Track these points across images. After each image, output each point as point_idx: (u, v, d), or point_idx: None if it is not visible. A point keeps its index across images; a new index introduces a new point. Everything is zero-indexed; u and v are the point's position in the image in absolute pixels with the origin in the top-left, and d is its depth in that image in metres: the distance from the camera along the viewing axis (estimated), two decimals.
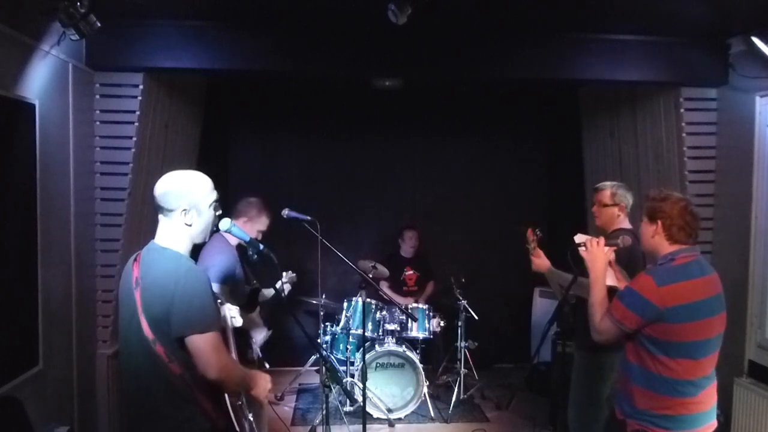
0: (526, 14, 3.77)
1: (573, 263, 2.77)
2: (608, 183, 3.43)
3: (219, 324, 2.09)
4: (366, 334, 4.62)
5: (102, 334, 4.06)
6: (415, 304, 5.23)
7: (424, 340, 5.21)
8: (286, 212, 3.55)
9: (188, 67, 3.95)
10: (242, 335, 2.99)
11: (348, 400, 4.82)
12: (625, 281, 2.78)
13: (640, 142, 4.70)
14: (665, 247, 2.41)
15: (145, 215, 4.17)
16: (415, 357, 4.92)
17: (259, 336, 3.67)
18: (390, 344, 4.90)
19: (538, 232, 3.45)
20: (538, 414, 4.86)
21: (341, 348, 5.09)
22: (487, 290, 5.80)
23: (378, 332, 5.00)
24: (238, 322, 2.50)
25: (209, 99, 5.37)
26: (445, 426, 4.88)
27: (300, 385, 5.61)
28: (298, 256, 4.56)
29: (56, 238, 3.45)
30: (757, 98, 3.89)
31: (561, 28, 4.02)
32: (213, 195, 2.19)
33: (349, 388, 4.77)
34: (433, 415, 4.97)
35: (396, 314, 5.03)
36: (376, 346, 4.89)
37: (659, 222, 2.40)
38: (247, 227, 3.35)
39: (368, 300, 4.78)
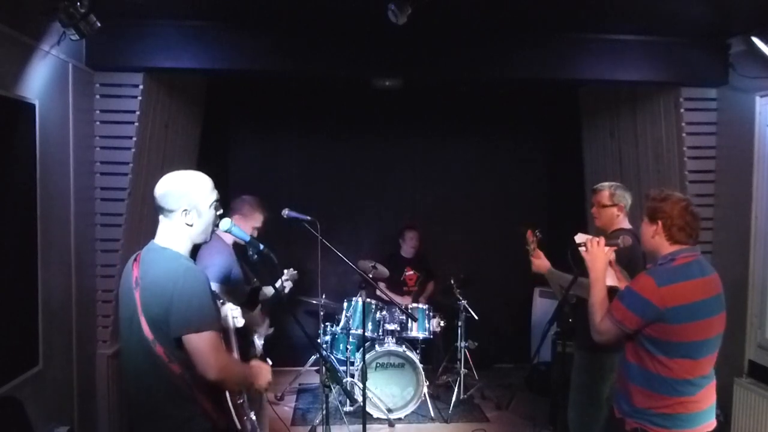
0: (526, 14, 3.77)
1: (573, 263, 2.77)
2: (606, 183, 3.43)
3: (218, 324, 2.08)
4: (366, 334, 4.62)
5: (102, 334, 4.06)
6: (414, 304, 5.23)
7: (424, 340, 5.21)
8: (286, 212, 3.55)
9: (188, 67, 3.95)
10: (244, 334, 2.99)
11: (348, 400, 4.82)
12: (625, 281, 2.78)
13: (640, 142, 4.70)
14: (665, 247, 2.41)
15: (145, 215, 4.17)
16: (415, 357, 4.92)
17: (261, 334, 3.67)
18: (390, 344, 4.90)
19: (537, 233, 3.45)
20: (538, 414, 4.86)
21: (341, 348, 5.09)
22: (487, 290, 5.80)
23: (378, 332, 5.00)
24: (240, 322, 2.50)
25: (209, 99, 5.37)
26: (445, 426, 4.88)
27: (300, 385, 5.61)
28: (298, 256, 4.56)
29: (56, 238, 3.45)
30: (757, 98, 3.89)
31: (561, 28, 4.02)
32: (213, 195, 2.19)
33: (349, 388, 4.77)
34: (433, 415, 4.97)
35: (396, 314, 5.03)
36: (376, 346, 4.89)
37: (659, 222, 2.40)
38: (241, 224, 3.34)
39: (368, 300, 4.78)
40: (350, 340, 5.00)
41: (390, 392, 4.91)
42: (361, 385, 4.06)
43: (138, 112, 3.91)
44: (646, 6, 3.53)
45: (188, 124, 5.00)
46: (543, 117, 6.39)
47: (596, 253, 2.62)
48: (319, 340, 4.90)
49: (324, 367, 3.67)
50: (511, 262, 4.10)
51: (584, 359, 3.35)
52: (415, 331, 5.09)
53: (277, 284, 3.84)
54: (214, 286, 2.92)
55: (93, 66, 3.83)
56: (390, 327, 5.00)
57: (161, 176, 2.17)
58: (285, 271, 3.93)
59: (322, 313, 4.72)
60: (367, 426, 3.93)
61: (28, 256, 3.18)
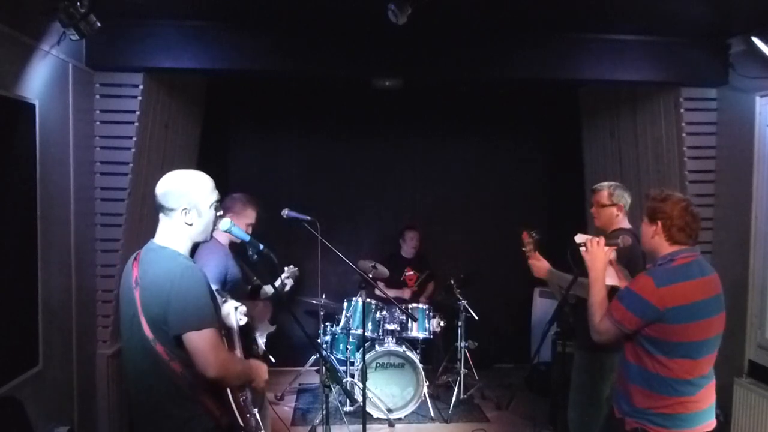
0: (526, 14, 3.77)
1: (573, 263, 2.77)
2: (605, 183, 3.44)
3: (217, 322, 2.08)
4: (366, 334, 4.62)
5: (102, 334, 4.06)
6: (414, 304, 5.23)
7: (424, 340, 5.21)
8: (286, 212, 3.55)
9: (188, 67, 3.95)
10: (246, 332, 2.99)
11: (348, 400, 4.82)
12: (626, 281, 2.78)
13: (640, 142, 4.70)
14: (665, 247, 2.41)
15: (145, 215, 4.17)
16: (415, 357, 4.92)
17: (263, 332, 3.68)
18: (390, 344, 4.90)
19: (533, 234, 3.43)
20: (538, 414, 4.86)
21: (341, 348, 5.09)
22: (487, 290, 5.80)
23: (378, 332, 5.00)
24: (243, 320, 2.50)
25: (209, 99, 5.37)
26: (445, 426, 4.88)
27: (300, 385, 5.61)
28: (298, 256, 4.55)
29: (56, 238, 3.45)
30: (757, 98, 3.89)
31: (561, 28, 4.02)
32: (214, 195, 2.19)
33: (349, 388, 4.77)
34: (433, 415, 4.97)
35: (396, 314, 5.03)
36: (376, 346, 4.89)
37: (659, 223, 2.40)
38: (234, 222, 3.35)
39: (368, 300, 4.77)
40: (350, 340, 5.00)
41: (390, 392, 4.91)
42: (361, 385, 4.06)
43: (138, 112, 3.91)
44: (646, 6, 3.53)
45: (188, 124, 5.01)
46: (543, 117, 6.39)
47: (596, 252, 2.62)
48: (319, 340, 4.90)
49: (324, 367, 3.68)
50: (511, 262, 4.09)
51: (584, 359, 3.36)
52: (415, 331, 5.09)
53: (278, 282, 3.84)
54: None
55: (93, 66, 3.83)
56: (390, 327, 5.00)
57: (161, 176, 2.17)
58: (285, 268, 3.93)
59: (322, 313, 4.72)
60: (367, 426, 3.93)
61: (28, 256, 3.18)
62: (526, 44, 4.11)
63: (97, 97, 3.91)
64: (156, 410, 2.09)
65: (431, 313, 5.17)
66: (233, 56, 3.95)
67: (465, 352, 5.24)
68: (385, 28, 3.28)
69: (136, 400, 2.17)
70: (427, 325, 5.11)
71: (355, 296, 5.01)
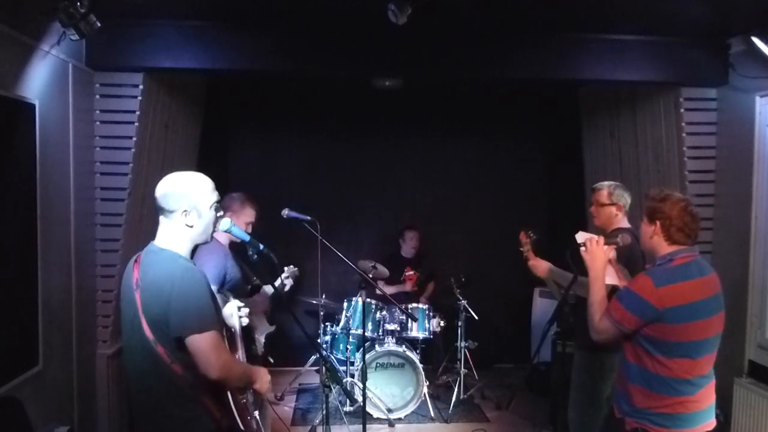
0: (526, 14, 3.77)
1: (573, 263, 2.78)
2: (605, 183, 3.44)
3: (217, 323, 2.08)
4: (366, 334, 4.62)
5: (102, 334, 4.06)
6: (414, 304, 5.23)
7: (424, 340, 5.21)
8: (286, 212, 3.55)
9: (188, 67, 3.95)
10: (246, 332, 3.00)
11: (348, 400, 4.82)
12: (625, 280, 2.78)
13: (640, 142, 4.70)
14: (664, 247, 2.41)
15: (145, 215, 4.17)
16: (415, 357, 4.92)
17: (263, 332, 3.68)
18: (390, 344, 4.90)
19: (531, 234, 3.44)
20: (538, 414, 4.86)
21: (341, 348, 5.09)
22: (487, 290, 5.81)
23: (378, 332, 5.00)
24: (245, 321, 2.50)
25: (209, 99, 5.37)
26: (445, 426, 4.88)
27: (300, 385, 5.61)
28: (298, 256, 4.55)
29: (56, 238, 3.45)
30: (757, 98, 3.89)
31: (561, 28, 4.02)
32: (214, 196, 2.19)
33: (349, 388, 4.77)
34: (433, 415, 4.97)
35: (396, 314, 5.03)
36: (376, 346, 4.89)
37: (658, 222, 2.40)
38: (233, 221, 3.35)
39: (368, 300, 4.78)
40: (350, 340, 5.00)
41: (390, 392, 4.91)
42: (361, 385, 4.06)
43: (138, 112, 3.91)
44: (646, 6, 3.53)
45: (188, 124, 5.00)
46: (543, 117, 6.39)
47: (595, 252, 2.62)
48: (319, 340, 4.90)
49: (324, 367, 3.68)
50: (511, 262, 4.09)
51: (584, 359, 3.36)
52: (415, 331, 5.09)
53: (278, 282, 3.84)
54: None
55: (93, 66, 3.83)
56: (390, 327, 5.00)
57: (161, 176, 2.18)
58: (285, 268, 3.93)
59: (322, 313, 4.72)
60: (367, 426, 3.93)
61: (28, 256, 3.18)
62: (526, 44, 4.11)
63: (97, 97, 3.91)
64: (156, 410, 2.09)
65: (431, 313, 5.17)
66: (233, 56, 3.95)
67: (465, 352, 5.24)
68: (385, 28, 3.28)
69: (137, 401, 2.18)
70: (427, 325, 5.11)
71: (355, 296, 5.01)
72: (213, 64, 3.94)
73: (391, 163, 6.33)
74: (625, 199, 3.36)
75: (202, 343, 1.98)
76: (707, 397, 2.40)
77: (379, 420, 4.85)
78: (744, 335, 3.98)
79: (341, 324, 5.06)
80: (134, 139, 3.91)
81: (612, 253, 2.72)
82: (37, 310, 3.24)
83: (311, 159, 6.23)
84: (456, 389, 5.17)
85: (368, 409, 4.24)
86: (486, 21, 3.94)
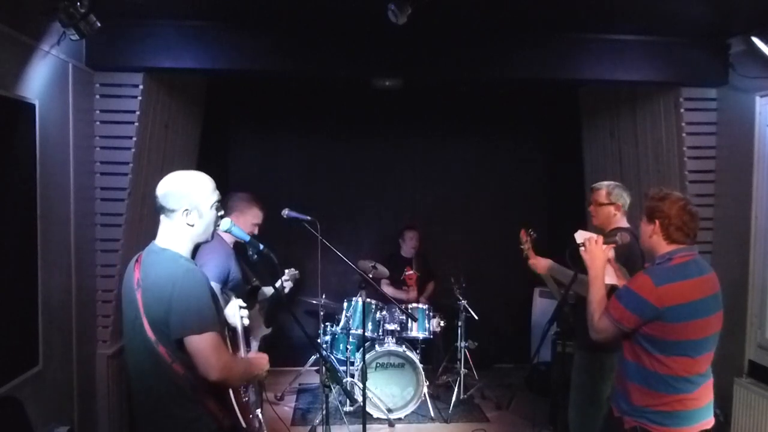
0: (526, 14, 3.77)
1: (572, 263, 2.78)
2: (604, 182, 3.45)
3: (218, 324, 2.08)
4: (366, 334, 4.62)
5: (102, 334, 4.06)
6: (414, 304, 5.23)
7: (424, 340, 5.21)
8: (286, 212, 3.55)
9: (188, 67, 3.95)
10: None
11: (348, 400, 4.82)
12: (624, 279, 2.78)
13: (640, 142, 4.70)
14: (663, 246, 2.41)
15: (145, 215, 4.17)
16: (415, 357, 4.92)
17: (258, 335, 3.68)
18: (390, 344, 4.90)
19: (531, 233, 3.45)
20: (538, 414, 4.86)
21: (341, 348, 5.09)
22: (487, 290, 5.81)
23: (378, 332, 5.00)
24: (246, 320, 2.50)
25: (209, 99, 5.37)
26: (445, 426, 4.88)
27: (300, 385, 5.61)
28: (298, 256, 4.56)
29: (56, 238, 3.45)
30: (757, 98, 3.89)
31: (561, 28, 4.02)
32: (215, 196, 2.19)
33: (349, 388, 4.77)
34: (433, 415, 4.97)
35: (396, 314, 5.03)
36: (376, 346, 4.89)
37: (657, 222, 2.40)
38: (240, 221, 3.34)
39: (368, 300, 4.78)
40: (350, 340, 5.00)
41: (390, 392, 4.91)
42: (361, 385, 4.06)
43: (138, 112, 3.91)
44: (646, 6, 3.53)
45: (188, 124, 5.00)
46: (543, 117, 6.39)
47: (594, 251, 2.62)
48: (319, 340, 4.90)
49: (324, 367, 3.68)
50: (511, 262, 4.10)
51: (584, 359, 3.36)
52: (415, 331, 5.09)
53: (278, 284, 3.84)
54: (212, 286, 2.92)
55: (93, 66, 3.83)
56: (390, 327, 5.00)
57: (161, 176, 2.17)
58: (286, 270, 3.93)
59: (322, 313, 4.72)
60: (367, 426, 3.93)
61: (28, 256, 3.18)
62: (526, 44, 4.11)
63: (97, 97, 3.91)
64: (157, 411, 2.09)
65: (431, 313, 5.17)
66: (233, 56, 3.95)
67: (465, 352, 5.24)
68: (385, 28, 3.28)
69: (138, 401, 2.18)
70: (427, 325, 5.11)
71: (355, 296, 5.01)
72: (213, 64, 3.94)
73: (391, 163, 6.33)
74: (624, 198, 3.37)
75: (201, 343, 1.98)
76: (706, 395, 2.40)
77: (379, 420, 4.85)
78: (744, 335, 3.98)
79: (341, 324, 5.07)
80: (134, 139, 3.91)
81: (611, 253, 2.72)
82: (37, 310, 3.24)
83: (311, 159, 6.23)
84: (456, 389, 5.17)
85: (368, 409, 4.24)
86: (486, 21, 3.94)
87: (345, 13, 3.71)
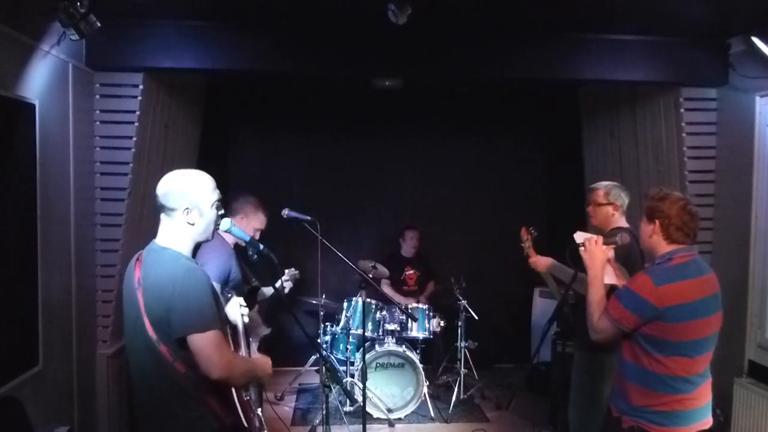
0: (526, 14, 3.77)
1: (572, 263, 2.78)
2: (602, 183, 3.46)
3: (219, 323, 2.08)
4: (366, 334, 4.62)
5: (102, 334, 4.06)
6: (415, 305, 5.23)
7: (424, 340, 5.22)
8: (286, 212, 3.55)
9: (188, 67, 3.95)
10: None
11: (348, 400, 4.82)
12: (624, 279, 2.78)
13: (640, 142, 4.71)
14: (663, 246, 2.41)
15: (145, 215, 4.17)
16: (415, 357, 4.92)
17: (257, 336, 3.67)
18: (390, 344, 4.90)
19: (532, 231, 3.46)
20: (538, 414, 4.86)
21: (341, 348, 5.09)
22: (487, 290, 5.81)
23: (378, 332, 5.01)
24: (247, 319, 2.50)
25: (209, 99, 5.37)
26: (445, 426, 4.88)
27: (300, 385, 5.61)
28: (298, 256, 4.56)
29: (56, 238, 3.45)
30: (757, 98, 3.89)
31: (561, 28, 4.02)
32: (215, 195, 2.19)
33: (349, 388, 4.77)
34: (433, 415, 4.97)
35: (396, 314, 5.03)
36: (376, 346, 4.89)
37: (657, 222, 2.40)
38: (243, 224, 3.35)
39: (368, 300, 4.78)
40: (350, 340, 5.00)
41: (390, 392, 4.91)
42: (361, 385, 4.06)
43: (138, 112, 3.91)
44: (646, 6, 3.53)
45: (188, 124, 5.01)
46: (543, 117, 6.39)
47: (594, 251, 2.62)
48: (319, 340, 4.90)
49: (324, 367, 3.68)
50: (511, 262, 4.10)
51: (584, 359, 3.36)
52: (415, 331, 5.09)
53: (278, 284, 3.84)
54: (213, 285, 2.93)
55: (93, 66, 3.83)
56: (390, 327, 5.00)
57: (161, 176, 2.17)
58: (286, 270, 3.93)
59: (322, 313, 4.72)
60: (367, 426, 3.93)
61: (28, 256, 3.18)
62: (526, 44, 4.11)
63: (97, 97, 3.91)
64: (159, 410, 2.09)
65: (431, 313, 5.17)
66: (233, 56, 3.95)
67: (465, 352, 5.24)
68: (385, 28, 3.28)
69: (139, 400, 2.17)
70: (427, 325, 5.12)
71: (355, 296, 5.01)
72: (213, 64, 3.94)
73: (391, 163, 6.33)
74: (623, 198, 3.37)
75: (203, 342, 1.98)
76: (704, 395, 2.40)
77: (379, 420, 4.85)
78: (744, 335, 3.98)
79: (341, 324, 5.07)
80: (134, 139, 3.92)
81: (611, 253, 2.72)
82: (37, 310, 3.24)
83: (311, 159, 6.23)
84: (456, 389, 5.17)
85: (368, 409, 4.24)
86: (486, 21, 3.94)
87: (345, 13, 3.71)
